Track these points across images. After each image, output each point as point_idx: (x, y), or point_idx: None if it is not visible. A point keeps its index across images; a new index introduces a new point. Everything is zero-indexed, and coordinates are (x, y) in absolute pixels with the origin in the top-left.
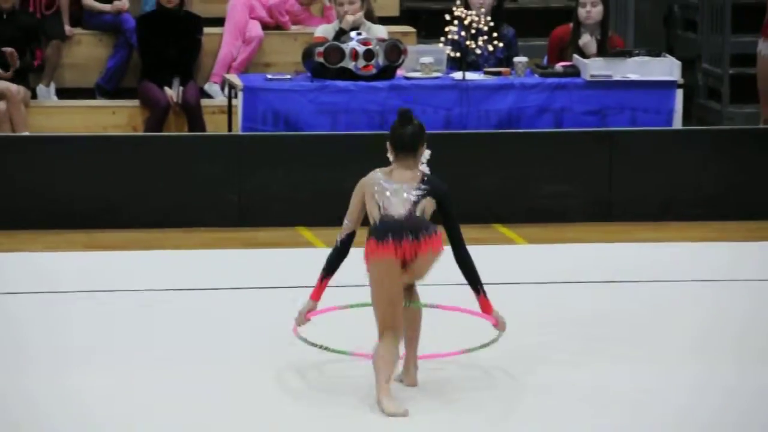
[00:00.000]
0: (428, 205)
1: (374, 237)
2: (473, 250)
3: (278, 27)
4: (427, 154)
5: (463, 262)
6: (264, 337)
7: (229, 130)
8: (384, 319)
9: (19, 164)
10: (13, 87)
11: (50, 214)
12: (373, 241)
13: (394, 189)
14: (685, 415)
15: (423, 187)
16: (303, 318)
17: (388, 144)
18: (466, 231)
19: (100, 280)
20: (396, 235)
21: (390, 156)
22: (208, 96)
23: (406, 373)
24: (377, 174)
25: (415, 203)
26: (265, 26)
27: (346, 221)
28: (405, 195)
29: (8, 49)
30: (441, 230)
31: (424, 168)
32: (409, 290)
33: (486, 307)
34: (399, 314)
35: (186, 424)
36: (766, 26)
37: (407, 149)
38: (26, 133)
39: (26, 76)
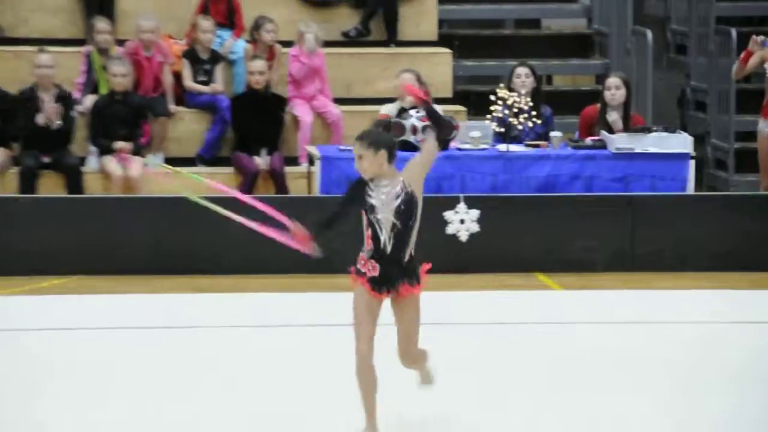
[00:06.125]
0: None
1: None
2: (517, 296)
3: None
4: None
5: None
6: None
7: (309, 192)
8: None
9: (135, 221)
10: (134, 160)
11: (160, 262)
12: None
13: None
14: None
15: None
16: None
17: (386, 152)
18: (511, 279)
19: (200, 318)
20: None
21: (387, 165)
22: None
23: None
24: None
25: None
26: None
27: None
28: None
29: (120, 144)
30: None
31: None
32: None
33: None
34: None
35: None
36: (765, 108)
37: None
38: (140, 195)
39: (139, 150)
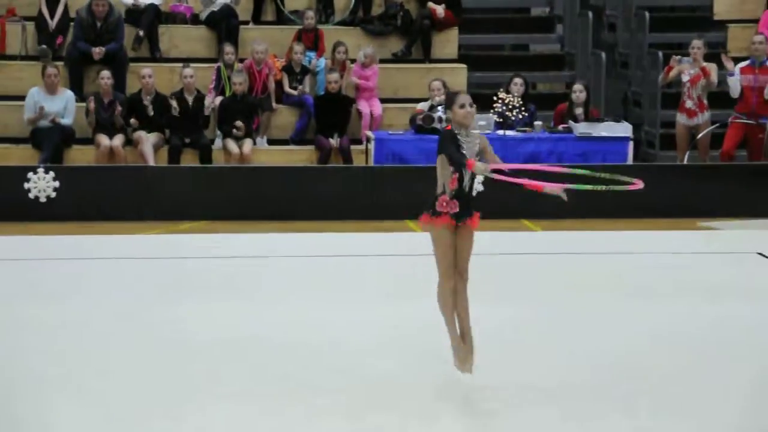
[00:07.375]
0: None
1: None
2: (509, 236)
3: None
4: None
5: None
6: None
7: (366, 163)
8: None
9: (245, 182)
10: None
11: (259, 209)
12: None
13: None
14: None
15: None
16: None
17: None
18: (506, 223)
19: (287, 250)
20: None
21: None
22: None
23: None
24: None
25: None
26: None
27: None
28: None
29: (238, 123)
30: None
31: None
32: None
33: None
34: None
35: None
36: (681, 105)
37: None
38: (249, 165)
39: (250, 133)
